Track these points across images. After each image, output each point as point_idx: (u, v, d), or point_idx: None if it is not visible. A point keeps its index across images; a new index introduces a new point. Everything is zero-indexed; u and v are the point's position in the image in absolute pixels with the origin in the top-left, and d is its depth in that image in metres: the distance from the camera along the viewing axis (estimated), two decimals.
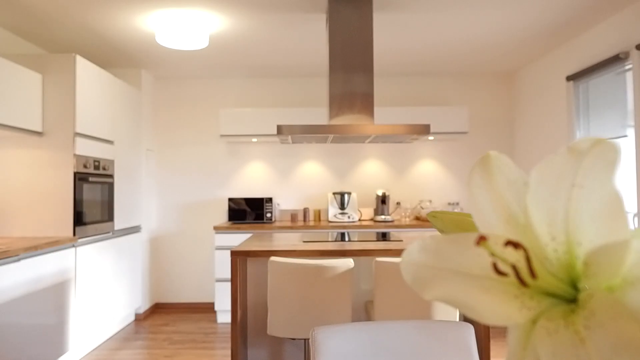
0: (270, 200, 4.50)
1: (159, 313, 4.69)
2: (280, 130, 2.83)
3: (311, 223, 4.48)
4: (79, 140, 3.31)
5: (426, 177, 4.89)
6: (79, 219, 3.30)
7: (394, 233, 3.31)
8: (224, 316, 4.36)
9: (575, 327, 0.29)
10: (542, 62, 4.31)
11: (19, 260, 2.66)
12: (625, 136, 3.20)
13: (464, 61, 4.40)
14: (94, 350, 3.60)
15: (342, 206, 4.57)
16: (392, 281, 2.18)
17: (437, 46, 3.95)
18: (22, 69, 3.04)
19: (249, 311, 2.68)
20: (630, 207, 3.12)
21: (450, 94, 4.92)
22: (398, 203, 4.84)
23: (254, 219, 4.50)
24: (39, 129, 3.22)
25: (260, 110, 4.52)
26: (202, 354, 3.50)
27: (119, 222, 3.98)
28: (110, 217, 3.81)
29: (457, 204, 4.82)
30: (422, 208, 4.80)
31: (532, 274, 0.31)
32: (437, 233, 0.37)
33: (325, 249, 2.43)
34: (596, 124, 3.53)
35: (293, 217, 4.63)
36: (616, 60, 3.16)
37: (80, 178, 3.32)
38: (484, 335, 2.43)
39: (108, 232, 3.78)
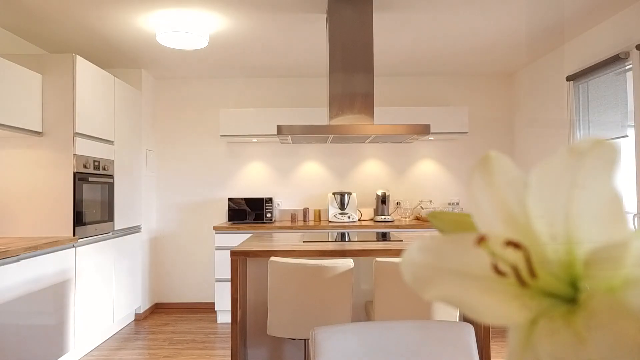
0: (270, 200, 4.50)
1: (159, 313, 4.69)
2: (280, 130, 2.83)
3: (311, 223, 4.48)
4: (78, 140, 3.31)
5: (426, 177, 4.89)
6: (79, 219, 3.30)
7: (394, 233, 3.31)
8: (224, 316, 4.35)
9: (576, 328, 0.29)
10: (542, 62, 4.31)
11: (18, 260, 2.65)
12: (626, 136, 3.20)
13: (464, 61, 4.40)
14: (94, 350, 3.60)
15: (342, 206, 4.57)
16: (392, 281, 2.18)
17: (437, 46, 3.95)
18: (22, 69, 3.04)
19: (249, 311, 2.68)
20: (630, 207, 3.12)
21: (450, 94, 4.92)
22: (398, 203, 4.84)
23: (254, 219, 4.50)
24: (39, 129, 3.22)
25: (260, 110, 4.51)
26: (202, 354, 3.50)
27: (119, 222, 3.98)
28: (110, 217, 3.81)
29: (457, 204, 4.81)
30: (422, 208, 4.80)
31: (532, 274, 0.31)
32: (437, 233, 0.37)
33: (325, 249, 2.43)
34: (596, 124, 3.53)
35: (293, 217, 4.63)
36: (616, 60, 3.16)
37: (80, 178, 3.32)
38: (484, 335, 2.43)
39: (108, 232, 3.78)
